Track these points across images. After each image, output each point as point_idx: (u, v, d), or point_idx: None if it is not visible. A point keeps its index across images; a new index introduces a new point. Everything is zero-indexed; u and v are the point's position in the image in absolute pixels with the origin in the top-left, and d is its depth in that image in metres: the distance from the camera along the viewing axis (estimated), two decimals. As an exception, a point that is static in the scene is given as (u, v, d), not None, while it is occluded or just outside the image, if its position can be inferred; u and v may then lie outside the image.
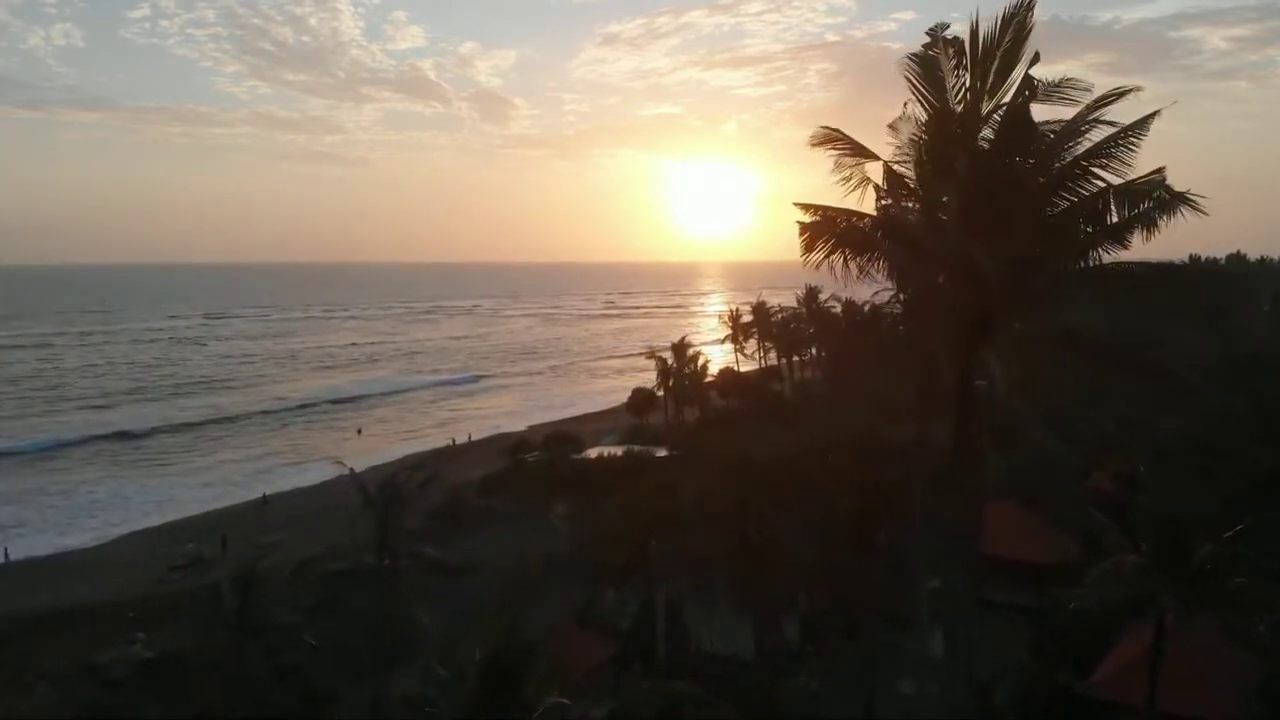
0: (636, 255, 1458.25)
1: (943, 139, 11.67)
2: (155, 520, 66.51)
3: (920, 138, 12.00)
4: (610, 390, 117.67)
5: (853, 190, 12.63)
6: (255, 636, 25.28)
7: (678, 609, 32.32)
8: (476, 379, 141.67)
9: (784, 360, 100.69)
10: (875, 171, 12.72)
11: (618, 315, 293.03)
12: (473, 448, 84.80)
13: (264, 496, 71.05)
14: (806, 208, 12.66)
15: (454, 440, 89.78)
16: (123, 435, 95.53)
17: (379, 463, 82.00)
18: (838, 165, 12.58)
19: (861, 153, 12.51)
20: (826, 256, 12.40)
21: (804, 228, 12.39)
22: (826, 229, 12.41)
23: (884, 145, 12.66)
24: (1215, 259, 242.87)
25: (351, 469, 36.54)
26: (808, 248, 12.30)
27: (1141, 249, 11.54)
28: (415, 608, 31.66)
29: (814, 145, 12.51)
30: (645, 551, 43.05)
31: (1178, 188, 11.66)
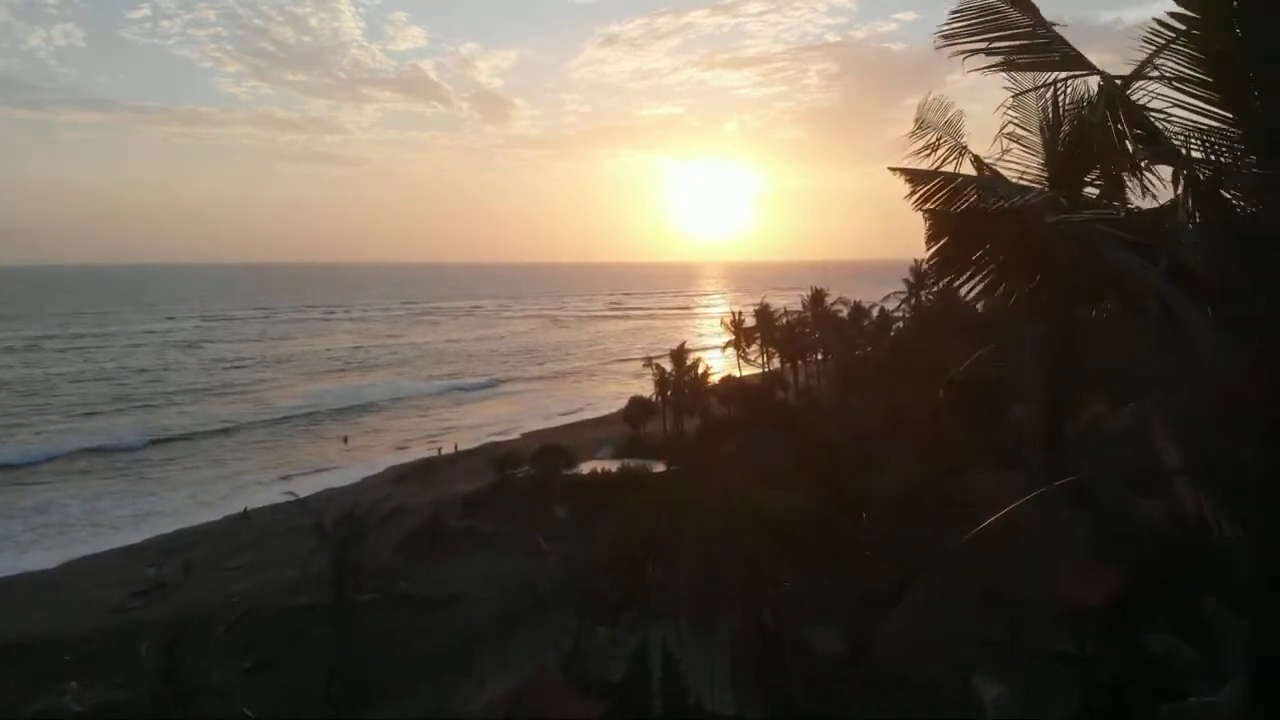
0: (638, 255, 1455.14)
1: None
2: (128, 538, 62.85)
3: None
4: (616, 396, 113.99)
5: (950, 158, 7.87)
6: (183, 705, 21.56)
7: (676, 660, 28.50)
8: (495, 383, 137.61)
9: (789, 366, 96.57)
10: (979, 135, 7.41)
11: (620, 317, 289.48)
12: (461, 458, 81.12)
13: (245, 511, 67.56)
14: (915, 178, 6.29)
15: (440, 450, 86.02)
16: (105, 445, 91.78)
17: (365, 475, 78.81)
18: (920, 126, 7.42)
19: (1059, 57, 5.81)
20: (998, 285, 5.88)
21: (938, 224, 6.20)
22: (1000, 227, 5.79)
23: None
24: None
25: (300, 497, 32.71)
26: (955, 265, 6.09)
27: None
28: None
29: (956, 35, 6.06)
30: (641, 583, 39.31)
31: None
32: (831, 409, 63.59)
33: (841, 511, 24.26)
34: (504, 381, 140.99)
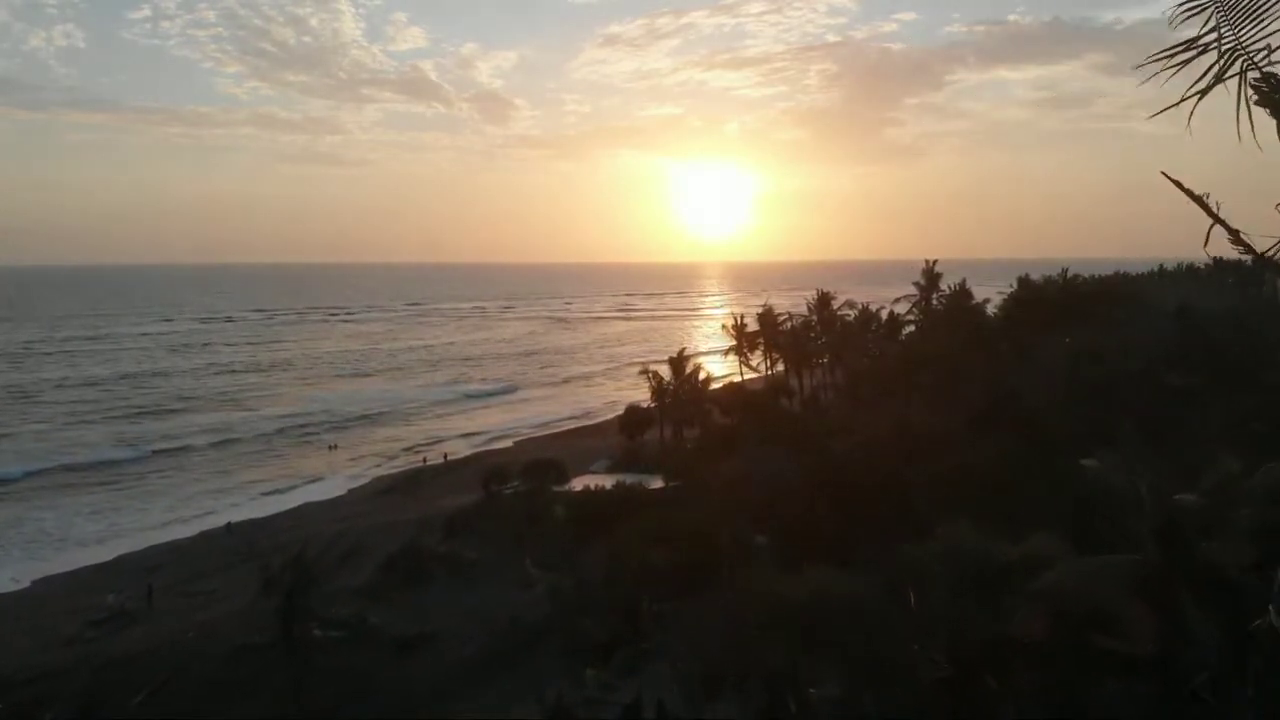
0: (639, 256, 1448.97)
1: None
2: (98, 555, 59.54)
3: None
4: (616, 401, 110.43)
5: (1226, 67, 4.17)
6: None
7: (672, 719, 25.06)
8: (494, 389, 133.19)
9: (792, 370, 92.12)
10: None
11: (623, 318, 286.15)
12: (452, 468, 77.54)
13: (229, 525, 64.32)
14: None
15: (425, 460, 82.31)
16: (87, 458, 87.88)
17: (350, 487, 75.21)
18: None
19: None
20: None
21: None
22: None
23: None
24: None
25: (230, 525, 29.36)
26: None
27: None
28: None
29: None
30: (635, 619, 36.04)
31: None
32: (841, 421, 60.09)
33: (882, 585, 20.26)
34: (504, 386, 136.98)
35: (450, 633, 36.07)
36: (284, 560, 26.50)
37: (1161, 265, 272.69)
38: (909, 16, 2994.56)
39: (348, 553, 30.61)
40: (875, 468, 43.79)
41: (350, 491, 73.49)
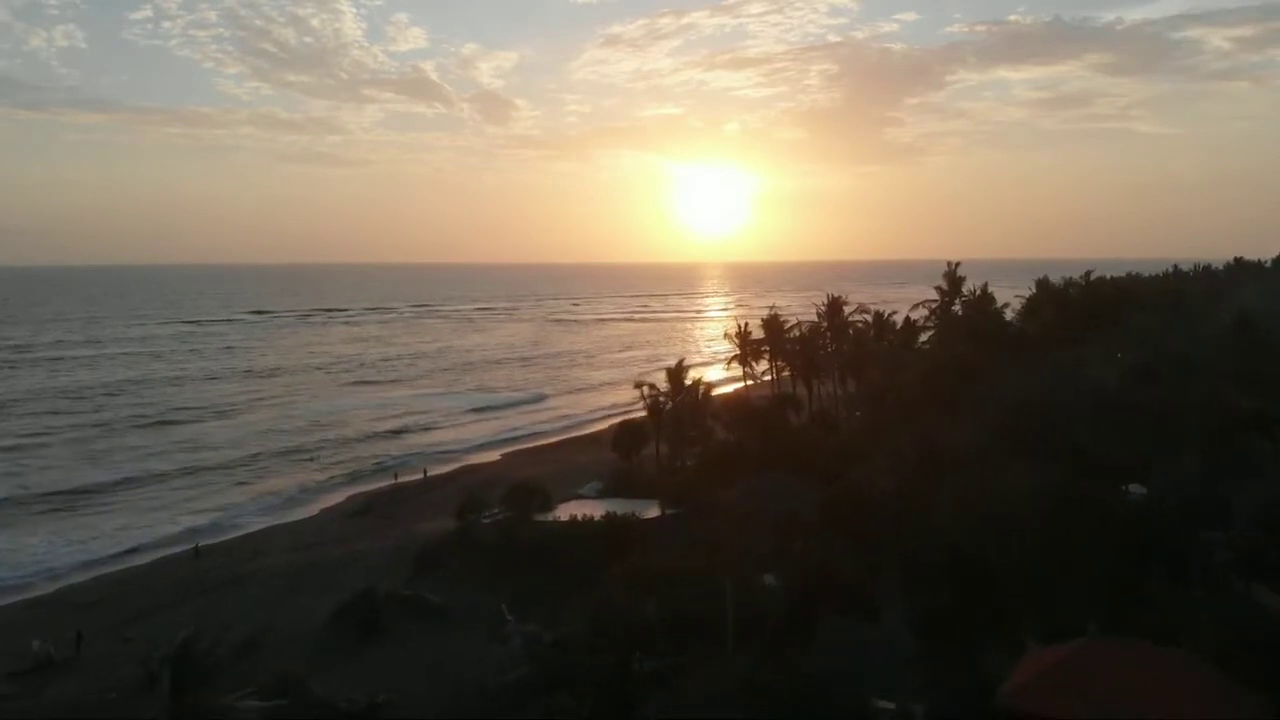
0: (640, 256, 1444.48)
1: None
2: (39, 587, 54.22)
3: None
4: (615, 406, 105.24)
5: None
6: None
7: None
8: (540, 398, 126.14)
9: (804, 383, 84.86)
10: None
11: (627, 319, 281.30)
12: (430, 486, 71.84)
13: (196, 549, 59.27)
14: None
15: (396, 477, 76.56)
16: (56, 479, 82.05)
17: (322, 508, 69.47)
18: None
19: None
20: None
21: None
22: None
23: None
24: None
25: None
26: None
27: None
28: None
29: None
30: (625, 682, 30.74)
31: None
32: (858, 441, 54.67)
33: None
34: (515, 395, 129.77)
35: (408, 700, 30.79)
36: (164, 654, 21.13)
37: (1176, 266, 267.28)
38: (909, 17, 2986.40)
39: (294, 588, 25.70)
40: (903, 500, 38.59)
41: (322, 512, 68.09)
